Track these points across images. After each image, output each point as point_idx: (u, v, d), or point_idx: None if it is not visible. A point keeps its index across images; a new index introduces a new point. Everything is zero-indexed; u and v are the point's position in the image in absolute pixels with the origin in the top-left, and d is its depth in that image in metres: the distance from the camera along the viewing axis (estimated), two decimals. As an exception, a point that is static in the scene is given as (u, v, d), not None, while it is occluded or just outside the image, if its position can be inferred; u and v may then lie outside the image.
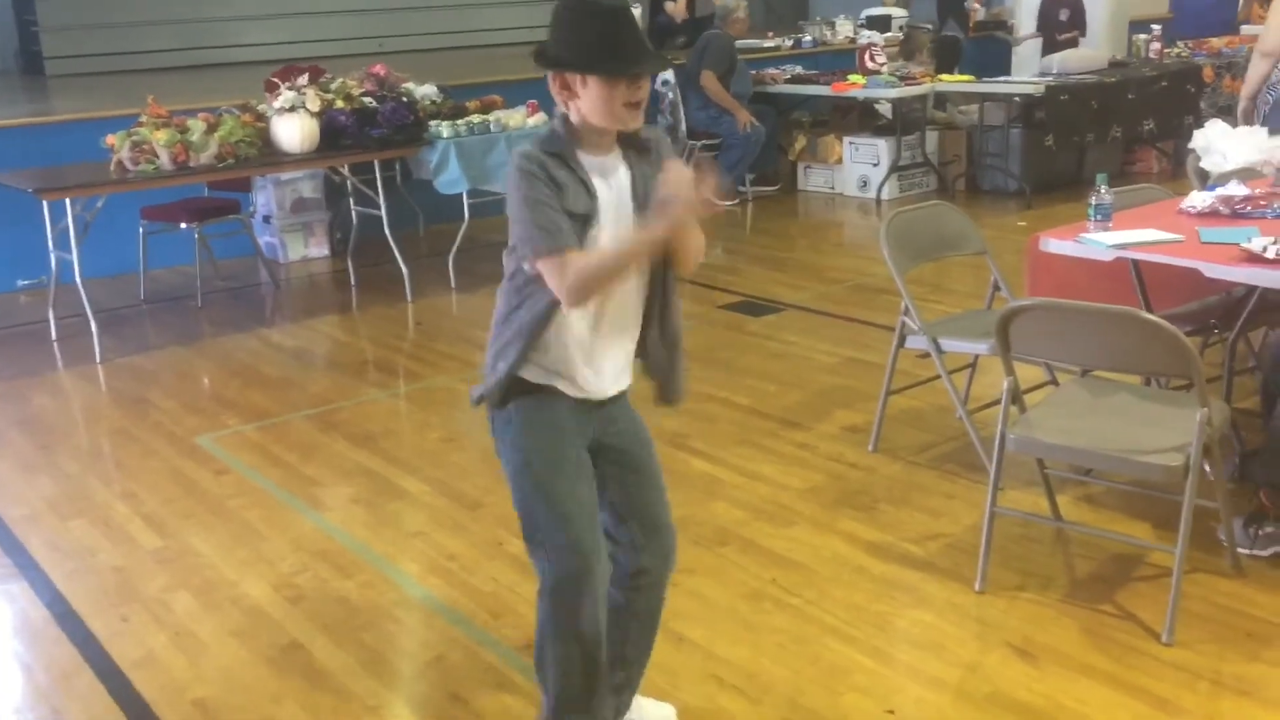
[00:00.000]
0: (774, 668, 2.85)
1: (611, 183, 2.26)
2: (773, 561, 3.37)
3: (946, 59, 9.71)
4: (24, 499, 4.01)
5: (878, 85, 8.47)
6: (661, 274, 2.36)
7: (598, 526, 2.36)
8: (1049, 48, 9.70)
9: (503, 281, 2.32)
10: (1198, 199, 3.87)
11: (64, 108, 7.97)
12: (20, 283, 6.80)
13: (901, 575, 3.26)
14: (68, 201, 5.42)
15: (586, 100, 2.18)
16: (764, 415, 4.50)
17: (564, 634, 2.33)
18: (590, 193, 2.21)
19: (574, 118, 2.22)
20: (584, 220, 2.20)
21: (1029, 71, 9.39)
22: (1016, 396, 3.12)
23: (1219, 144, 4.47)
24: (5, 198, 5.96)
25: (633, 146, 2.30)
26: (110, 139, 5.60)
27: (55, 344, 5.77)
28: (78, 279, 5.48)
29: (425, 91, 6.68)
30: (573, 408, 2.34)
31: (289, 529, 3.70)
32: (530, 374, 2.32)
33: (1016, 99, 8.21)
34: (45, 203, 5.45)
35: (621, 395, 2.41)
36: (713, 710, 2.69)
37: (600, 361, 2.32)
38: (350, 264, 6.87)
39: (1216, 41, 9.66)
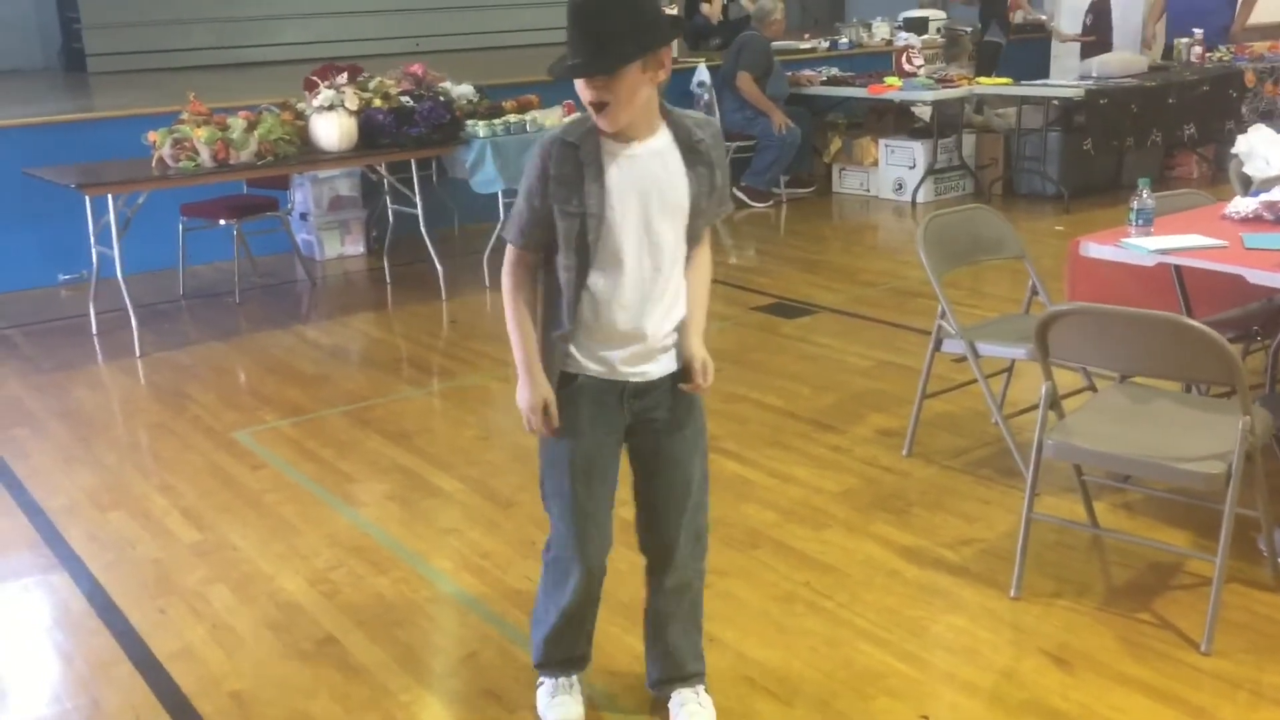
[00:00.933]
0: (806, 670, 2.84)
1: (631, 173, 2.27)
2: (805, 564, 3.36)
3: (986, 63, 9.66)
4: (63, 490, 4.06)
5: (915, 88, 8.42)
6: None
7: (598, 520, 2.46)
8: (1087, 51, 9.63)
9: None
10: (1241, 204, 3.83)
11: (106, 104, 8.06)
12: (62, 277, 6.89)
13: (936, 580, 3.24)
14: (109, 197, 5.48)
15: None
16: (796, 417, 4.49)
17: (547, 593, 2.59)
18: (600, 182, 2.25)
19: None
20: (591, 214, 2.25)
21: (1068, 75, 9.32)
22: (1055, 402, 3.10)
23: (1262, 149, 4.42)
24: (48, 193, 6.04)
25: (686, 145, 2.31)
26: (152, 135, 5.66)
27: (95, 338, 5.84)
28: (119, 274, 5.55)
29: (462, 91, 6.72)
30: (601, 393, 2.38)
31: (324, 524, 3.73)
32: (566, 362, 2.39)
33: (1055, 102, 8.15)
34: (88, 198, 5.51)
35: (664, 383, 2.41)
36: (744, 712, 2.69)
37: (616, 344, 2.36)
38: (386, 262, 6.91)
39: (1259, 46, 9.55)
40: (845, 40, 10.26)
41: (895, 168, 8.61)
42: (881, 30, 10.40)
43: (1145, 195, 3.66)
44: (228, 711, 2.77)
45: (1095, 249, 3.67)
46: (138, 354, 5.55)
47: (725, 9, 10.65)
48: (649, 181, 2.28)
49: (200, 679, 2.90)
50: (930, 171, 8.42)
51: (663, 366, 2.40)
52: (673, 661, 2.62)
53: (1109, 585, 3.21)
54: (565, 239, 2.30)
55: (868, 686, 2.77)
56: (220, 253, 6.87)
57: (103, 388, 5.23)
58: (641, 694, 2.74)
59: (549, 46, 11.52)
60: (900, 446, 4.11)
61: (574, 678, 2.68)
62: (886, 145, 8.66)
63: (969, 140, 8.72)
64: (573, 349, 2.38)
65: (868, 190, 8.81)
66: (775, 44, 8.71)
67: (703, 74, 8.60)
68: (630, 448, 2.48)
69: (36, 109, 7.62)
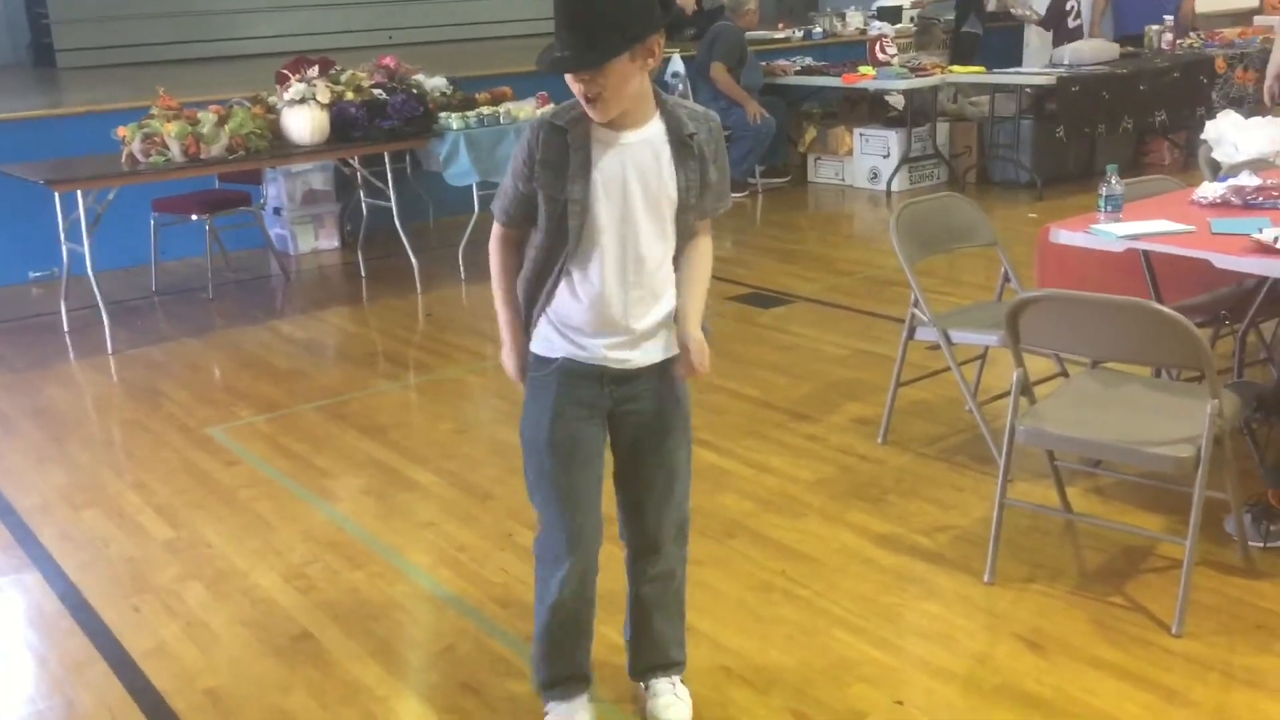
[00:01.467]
0: (782, 658, 2.85)
1: (619, 161, 2.24)
2: (781, 553, 3.37)
3: (964, 53, 9.68)
4: (36, 489, 4.04)
5: (888, 76, 8.44)
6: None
7: (586, 507, 2.41)
8: (1059, 39, 9.67)
9: None
10: (1209, 190, 3.86)
11: (75, 100, 7.98)
12: (32, 274, 6.83)
13: (910, 567, 3.26)
14: (79, 193, 5.44)
15: None
16: (773, 407, 4.50)
17: (540, 593, 2.50)
18: (586, 169, 2.22)
19: None
20: (575, 200, 2.23)
21: (1040, 63, 9.36)
22: (1026, 388, 3.12)
23: (1231, 135, 4.46)
24: (17, 189, 5.99)
25: (676, 137, 2.27)
26: (121, 131, 5.62)
27: (67, 335, 5.80)
28: (89, 271, 5.50)
29: (435, 83, 6.69)
30: (581, 377, 2.35)
31: (299, 520, 3.71)
32: (539, 345, 2.38)
33: (1027, 90, 8.18)
34: (57, 194, 5.46)
35: (649, 373, 2.39)
36: (721, 700, 2.70)
37: (596, 331, 2.33)
38: (360, 256, 6.89)
39: (1229, 32, 9.62)
40: (819, 30, 10.27)
41: (870, 157, 8.63)
42: (855, 20, 10.42)
43: (1114, 181, 3.68)
44: (203, 709, 2.76)
45: (1065, 235, 3.69)
46: (110, 351, 5.51)
47: (699, -1, 10.65)
48: (637, 171, 2.24)
49: (175, 677, 2.89)
50: (905, 160, 8.44)
51: (647, 355, 2.37)
52: (656, 649, 2.61)
53: (1081, 570, 3.24)
54: (548, 223, 2.27)
55: (844, 674, 2.78)
56: (193, 248, 6.83)
57: (75, 385, 5.19)
58: (619, 685, 2.74)
59: (522, 38, 11.50)
60: (875, 435, 4.13)
61: (583, 700, 2.55)
62: (861, 134, 8.68)
63: (943, 129, 8.74)
64: (552, 332, 2.36)
65: (843, 180, 8.83)
66: (750, 34, 8.71)
67: (677, 64, 8.59)
68: (613, 437, 2.44)
69: (5, 105, 7.54)
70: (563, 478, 2.38)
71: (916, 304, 3.91)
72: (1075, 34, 9.60)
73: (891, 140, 8.48)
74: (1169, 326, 2.78)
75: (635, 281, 2.31)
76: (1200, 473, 2.82)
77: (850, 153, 8.77)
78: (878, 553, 3.34)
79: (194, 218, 6.33)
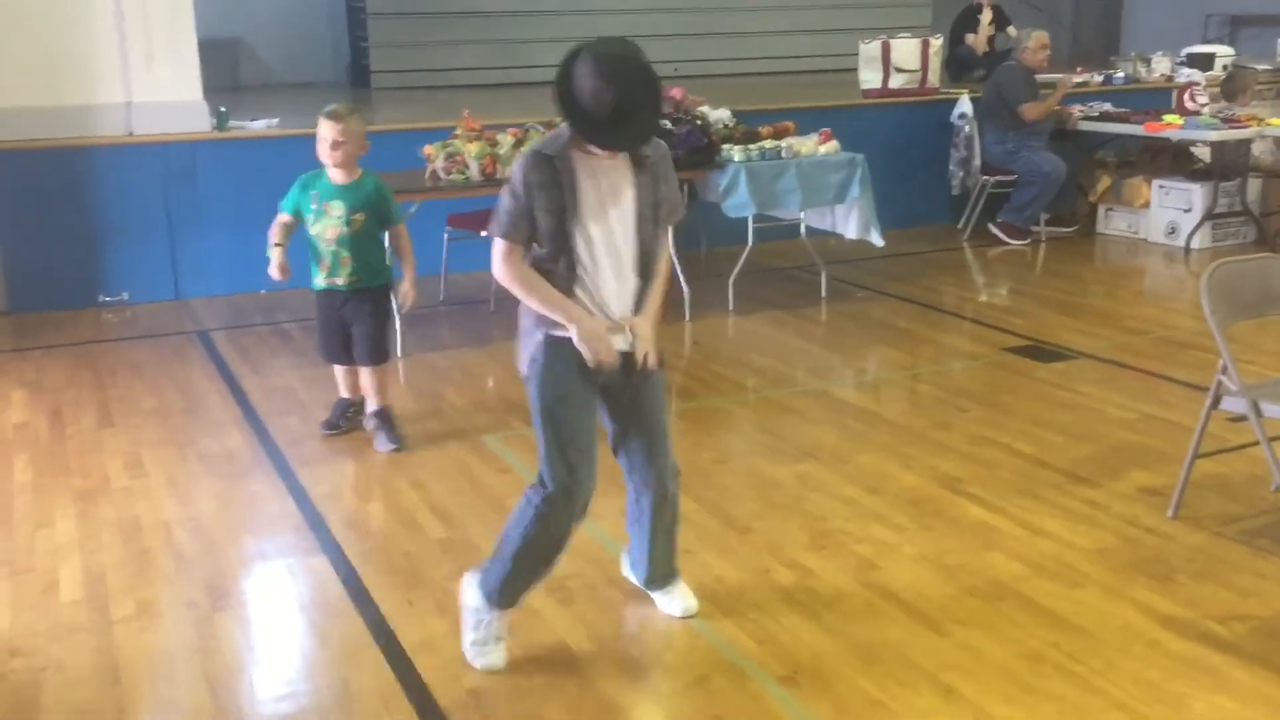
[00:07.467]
0: (1052, 736, 2.69)
1: (600, 183, 2.80)
2: (1055, 623, 3.18)
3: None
4: (328, 478, 4.32)
5: (1196, 127, 7.92)
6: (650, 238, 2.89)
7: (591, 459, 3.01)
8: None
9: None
10: None
11: (386, 118, 8.55)
12: (337, 278, 7.32)
13: (1202, 655, 3.00)
14: (385, 206, 5.79)
15: None
16: (1049, 467, 4.27)
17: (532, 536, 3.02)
18: (567, 189, 2.77)
19: None
20: (557, 213, 2.79)
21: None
22: (1354, 474, 2.82)
23: None
24: (330, 199, 6.44)
25: (635, 160, 2.85)
26: (427, 149, 5.97)
27: (362, 337, 6.18)
28: (388, 278, 5.85)
29: (719, 116, 6.78)
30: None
31: (563, 533, 3.80)
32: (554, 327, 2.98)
33: (1358, 147, 7.49)
34: (365, 205, 5.83)
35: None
36: (983, 772, 2.56)
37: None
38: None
39: None
40: (1121, 75, 9.76)
41: (1169, 210, 8.11)
42: (1161, 65, 9.84)
43: None
44: (466, 706, 2.86)
45: None
46: (399, 354, 5.84)
47: (991, 40, 10.34)
48: (610, 190, 2.80)
49: (441, 672, 3.01)
50: (1208, 216, 7.88)
51: (625, 341, 2.93)
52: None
53: (1406, 683, 2.89)
54: (549, 232, 2.82)
55: (1120, 762, 2.59)
56: (480, 262, 7.05)
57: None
58: None
59: (806, 74, 11.50)
60: (1164, 507, 3.85)
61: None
62: (1161, 186, 8.17)
63: (1254, 185, 8.12)
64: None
65: (1136, 233, 8.33)
66: (1043, 76, 8.38)
67: (965, 105, 8.36)
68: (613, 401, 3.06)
69: (325, 120, 8.15)
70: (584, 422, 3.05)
71: (1225, 371, 3.62)
72: None
73: (1195, 194, 7.94)
74: None
75: (615, 261, 2.86)
76: None
77: (1146, 205, 8.26)
78: (1164, 635, 3.10)
79: (483, 234, 6.63)
